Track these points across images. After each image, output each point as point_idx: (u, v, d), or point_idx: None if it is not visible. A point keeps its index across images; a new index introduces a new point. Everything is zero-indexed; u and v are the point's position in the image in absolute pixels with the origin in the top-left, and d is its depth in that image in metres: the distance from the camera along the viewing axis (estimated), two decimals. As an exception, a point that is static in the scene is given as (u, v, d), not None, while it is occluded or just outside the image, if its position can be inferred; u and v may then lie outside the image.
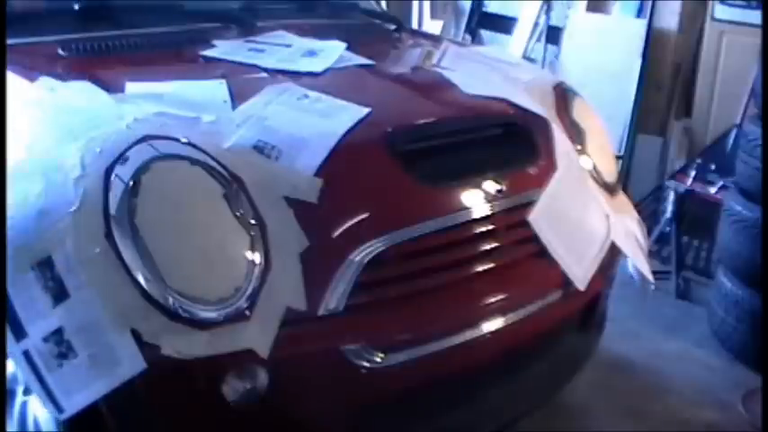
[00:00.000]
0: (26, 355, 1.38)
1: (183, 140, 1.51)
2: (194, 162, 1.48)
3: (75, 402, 1.35)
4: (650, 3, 3.84)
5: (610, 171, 2.20)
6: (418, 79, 2.13)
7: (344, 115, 1.70)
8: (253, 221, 1.48)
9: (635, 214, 2.21)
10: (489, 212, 1.74)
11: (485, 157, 1.84)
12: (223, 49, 2.05)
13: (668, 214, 3.34)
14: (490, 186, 1.76)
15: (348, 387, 1.57)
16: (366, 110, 1.72)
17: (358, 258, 1.53)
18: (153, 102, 1.65)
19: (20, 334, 1.38)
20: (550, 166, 1.93)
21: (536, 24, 4.24)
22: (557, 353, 2.01)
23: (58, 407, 1.35)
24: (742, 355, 2.69)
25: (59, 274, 1.37)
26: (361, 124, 1.68)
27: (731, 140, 3.46)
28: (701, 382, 2.59)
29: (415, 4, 4.76)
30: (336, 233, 1.56)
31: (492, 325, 1.72)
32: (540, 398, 2.04)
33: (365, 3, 2.81)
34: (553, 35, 4.16)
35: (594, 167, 2.12)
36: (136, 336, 1.34)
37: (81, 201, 1.39)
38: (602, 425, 2.34)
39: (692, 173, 3.32)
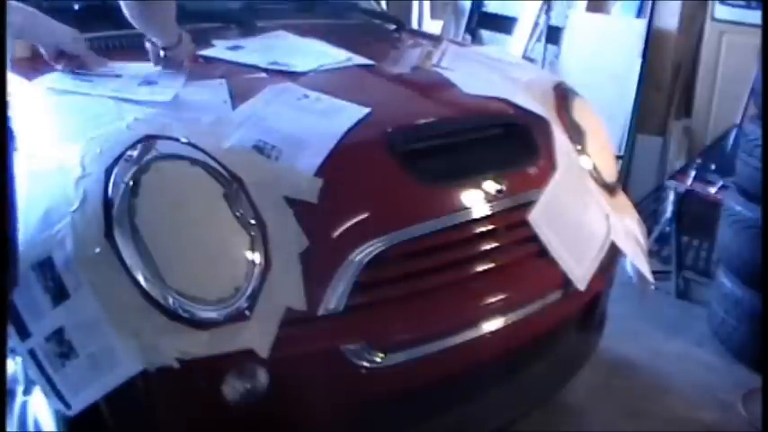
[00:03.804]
0: (32, 353, 1.39)
1: (183, 140, 1.51)
2: (194, 162, 1.48)
3: (80, 400, 1.35)
4: (650, 3, 3.84)
5: (610, 171, 2.20)
6: (418, 79, 2.12)
7: (344, 115, 1.70)
8: (253, 221, 1.48)
9: (635, 214, 2.21)
10: (489, 212, 1.74)
11: (485, 157, 1.84)
12: (222, 48, 2.05)
13: (668, 214, 3.33)
14: (490, 186, 1.76)
15: (348, 387, 1.57)
16: (366, 110, 1.72)
17: (358, 258, 1.53)
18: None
19: (24, 333, 1.40)
20: (550, 166, 1.93)
21: (536, 24, 4.24)
22: (557, 353, 2.02)
23: (66, 404, 1.36)
24: (742, 355, 2.69)
25: (59, 274, 1.37)
26: (361, 124, 1.68)
27: (731, 140, 3.45)
28: (701, 382, 2.59)
29: (415, 4, 4.76)
30: (336, 233, 1.56)
31: (492, 325, 1.72)
32: (539, 398, 2.04)
33: (365, 3, 2.81)
34: (553, 35, 4.16)
35: (594, 167, 2.12)
36: (136, 336, 1.35)
37: (81, 201, 1.39)
38: (603, 425, 2.34)
39: (692, 173, 3.31)
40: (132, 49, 1.97)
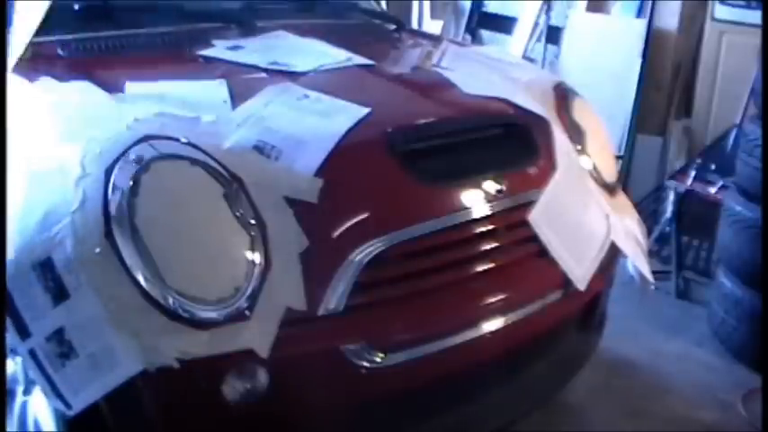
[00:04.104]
0: (32, 353, 1.39)
1: (183, 140, 1.51)
2: (194, 162, 1.48)
3: (80, 400, 1.35)
4: (650, 3, 3.84)
5: (610, 171, 2.20)
6: (418, 79, 2.12)
7: (344, 115, 1.70)
8: (253, 221, 1.48)
9: (635, 214, 2.21)
10: (489, 212, 1.74)
11: (485, 157, 1.84)
12: (222, 48, 2.05)
13: (668, 214, 3.33)
14: (490, 186, 1.76)
15: (348, 387, 1.57)
16: (366, 110, 1.72)
17: (358, 258, 1.53)
18: (153, 102, 1.65)
19: (24, 333, 1.39)
20: (550, 166, 1.93)
21: (536, 24, 4.24)
22: (557, 353, 2.02)
23: (66, 404, 1.36)
24: (742, 355, 2.69)
25: (59, 274, 1.37)
26: (360, 124, 1.68)
27: (731, 140, 3.45)
28: (701, 382, 2.59)
29: (415, 4, 4.75)
30: (336, 233, 1.56)
31: (492, 325, 1.72)
32: (540, 398, 2.04)
33: (365, 3, 2.81)
34: (553, 35, 4.16)
35: (594, 167, 2.12)
36: (136, 336, 1.34)
37: (81, 201, 1.39)
38: (603, 425, 2.34)
39: (692, 173, 3.31)
40: (133, 49, 1.98)
